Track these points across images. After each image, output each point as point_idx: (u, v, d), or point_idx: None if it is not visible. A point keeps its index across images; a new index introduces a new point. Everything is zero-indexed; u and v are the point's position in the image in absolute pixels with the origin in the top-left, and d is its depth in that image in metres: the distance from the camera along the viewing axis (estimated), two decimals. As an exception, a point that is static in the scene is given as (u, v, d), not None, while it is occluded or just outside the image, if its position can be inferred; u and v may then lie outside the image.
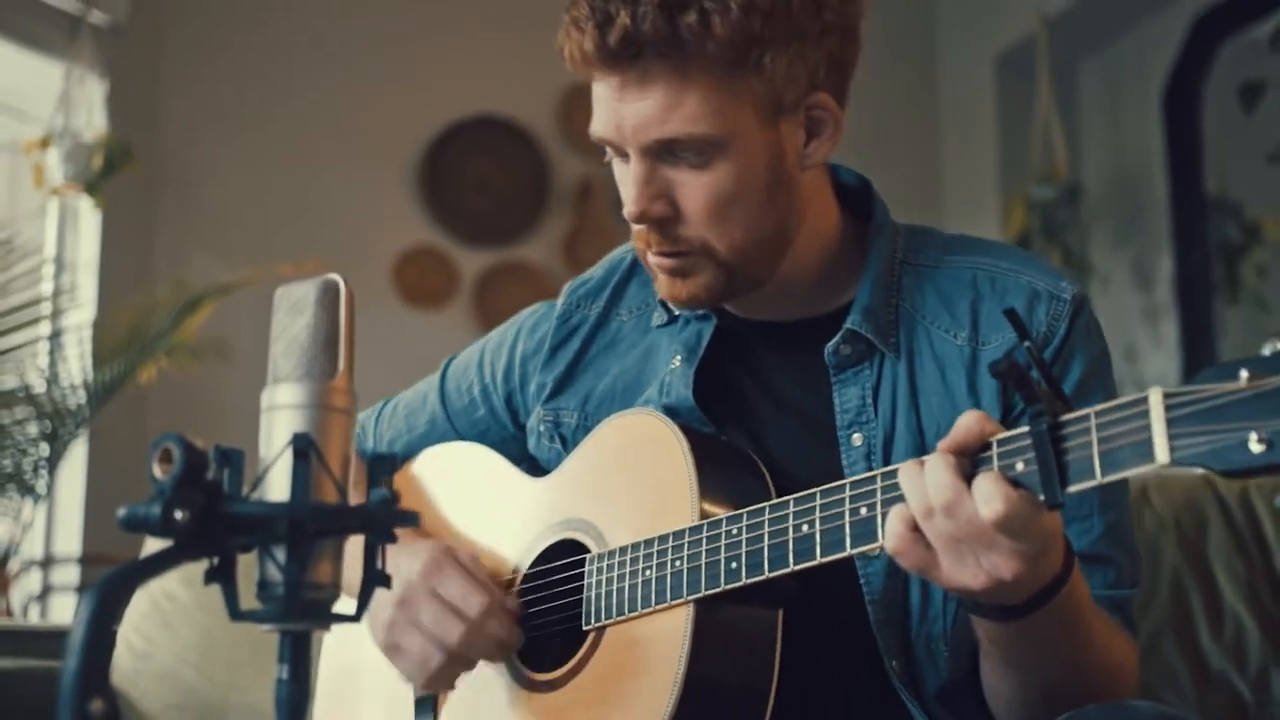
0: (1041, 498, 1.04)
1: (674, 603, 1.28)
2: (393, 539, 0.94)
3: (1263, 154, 4.84)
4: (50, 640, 2.42)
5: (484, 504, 1.55)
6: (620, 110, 1.33)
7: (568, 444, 1.52)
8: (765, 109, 1.33)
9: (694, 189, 1.33)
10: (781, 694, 1.29)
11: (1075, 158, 5.30)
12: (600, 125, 1.36)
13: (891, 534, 1.11)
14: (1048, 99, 5.11)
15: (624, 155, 1.36)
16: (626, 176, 1.36)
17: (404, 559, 1.40)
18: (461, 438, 1.64)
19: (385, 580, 0.95)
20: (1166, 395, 0.97)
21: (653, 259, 1.39)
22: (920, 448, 1.36)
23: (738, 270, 1.37)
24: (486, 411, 1.63)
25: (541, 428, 1.55)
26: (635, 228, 1.38)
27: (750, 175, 1.34)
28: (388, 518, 0.92)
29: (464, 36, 5.27)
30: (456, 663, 1.38)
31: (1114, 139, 5.49)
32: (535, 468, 1.56)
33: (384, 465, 0.94)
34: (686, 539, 1.29)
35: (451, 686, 1.42)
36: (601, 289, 1.58)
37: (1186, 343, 4.99)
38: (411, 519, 0.94)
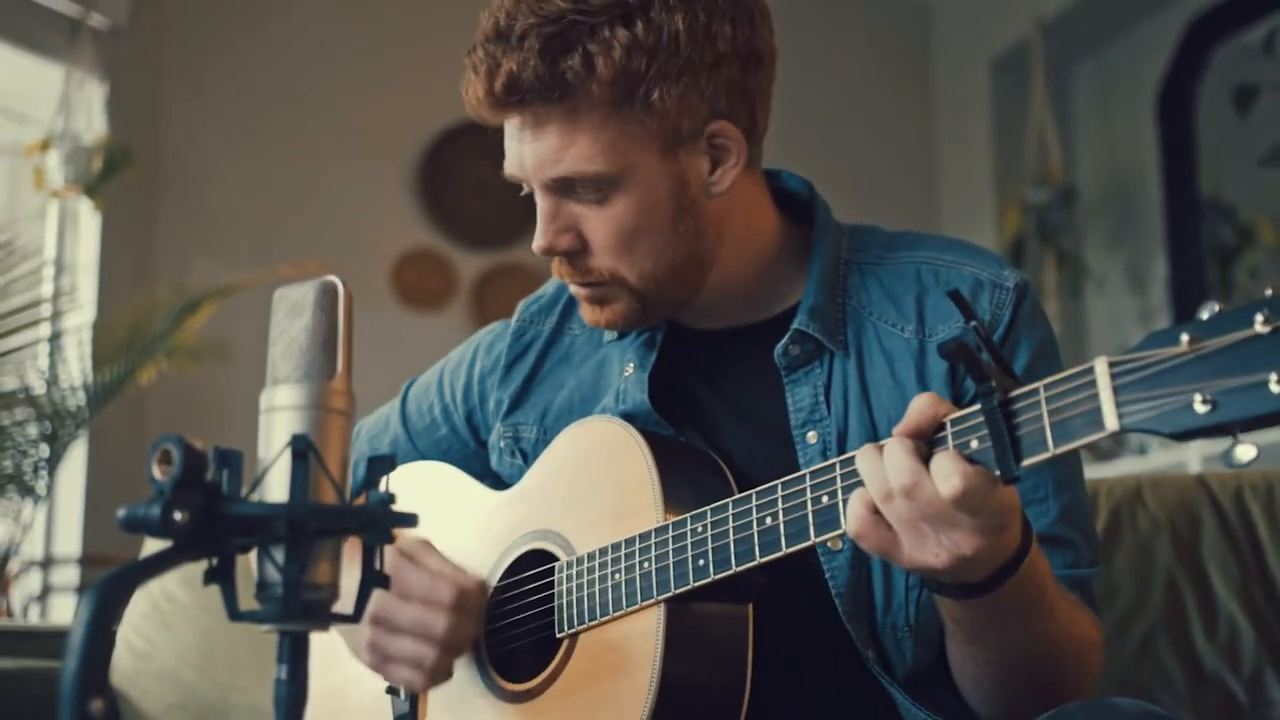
0: (997, 473, 1.05)
1: (645, 603, 1.29)
2: (391, 539, 0.94)
3: (1256, 157, 4.85)
4: (50, 640, 2.41)
5: (451, 521, 1.54)
6: (520, 150, 1.36)
7: (528, 458, 1.53)
8: (661, 142, 1.34)
9: (597, 223, 1.36)
10: (761, 691, 1.29)
11: (1070, 161, 5.31)
12: (507, 164, 1.39)
13: (853, 517, 1.12)
14: (1042, 102, 5.12)
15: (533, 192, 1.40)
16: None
17: (356, 572, 1.40)
18: (424, 458, 1.65)
19: (384, 581, 0.95)
20: (1112, 364, 0.98)
21: (571, 288, 1.43)
22: (874, 440, 1.36)
23: (652, 297, 1.40)
24: (448, 430, 1.64)
25: (502, 444, 1.56)
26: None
27: (652, 207, 1.36)
28: (386, 518, 0.92)
29: (462, 40, 5.25)
30: (449, 651, 1.38)
31: (1108, 142, 5.49)
32: (499, 483, 1.56)
33: (381, 466, 0.94)
34: (653, 540, 1.30)
35: (450, 676, 1.42)
36: (554, 305, 1.60)
37: (1180, 344, 4.99)
38: (410, 520, 0.94)
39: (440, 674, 1.40)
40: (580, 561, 1.36)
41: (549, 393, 1.55)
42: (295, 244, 4.88)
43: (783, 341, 1.40)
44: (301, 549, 0.89)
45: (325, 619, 0.92)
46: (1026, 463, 1.04)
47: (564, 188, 1.36)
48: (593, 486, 1.40)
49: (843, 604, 1.34)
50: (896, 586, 1.35)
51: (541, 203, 1.38)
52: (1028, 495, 1.34)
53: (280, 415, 0.93)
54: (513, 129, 1.37)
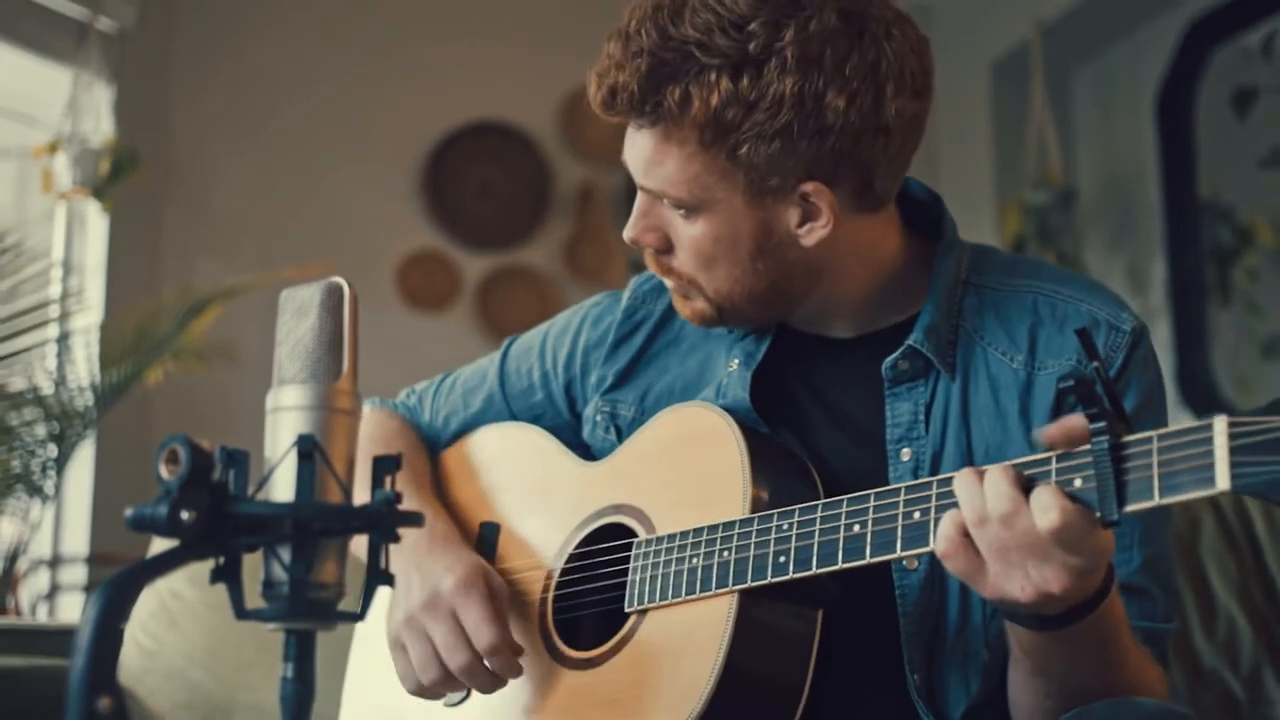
0: (1098, 514, 1.04)
1: (720, 591, 1.29)
2: (396, 539, 0.94)
3: (1254, 159, 4.84)
4: (58, 639, 2.42)
5: (536, 484, 1.56)
6: (627, 148, 1.40)
7: (622, 435, 1.53)
8: (747, 188, 1.34)
9: (681, 233, 1.39)
10: (815, 698, 1.29)
11: (1069, 163, 5.30)
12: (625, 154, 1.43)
13: (943, 537, 1.12)
14: (1042, 105, 5.11)
15: None
16: None
17: (441, 564, 1.42)
18: (515, 419, 1.65)
19: (389, 579, 0.95)
20: (1231, 424, 0.97)
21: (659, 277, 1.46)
22: (968, 466, 1.36)
23: (729, 312, 1.42)
24: (544, 397, 1.64)
25: (598, 417, 1.56)
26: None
27: (731, 241, 1.37)
28: (391, 518, 0.92)
29: (466, 44, 5.28)
30: (449, 682, 1.40)
31: (1107, 144, 5.49)
32: (588, 454, 1.56)
33: (387, 466, 0.94)
34: (736, 530, 1.29)
35: (438, 698, 1.43)
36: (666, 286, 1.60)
37: (1179, 345, 4.98)
38: (416, 519, 0.94)
39: (429, 690, 1.42)
40: (660, 541, 1.36)
41: (653, 376, 1.55)
42: (301, 246, 4.88)
43: (893, 356, 1.39)
44: (307, 548, 0.89)
45: (331, 618, 0.92)
46: (1129, 509, 1.03)
47: (655, 193, 1.38)
48: (683, 469, 1.40)
49: (906, 623, 1.34)
50: (974, 611, 1.34)
51: (639, 197, 1.42)
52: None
53: (286, 415, 0.93)
54: (626, 129, 1.41)
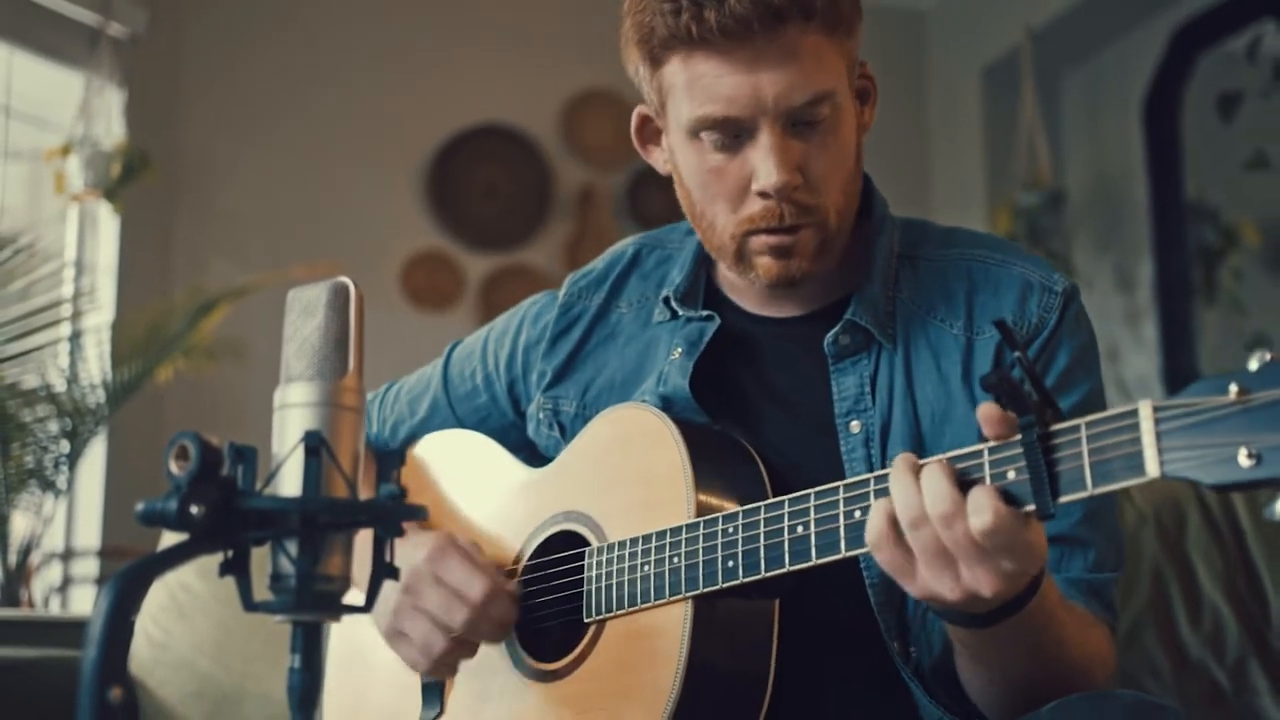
0: (1032, 507, 1.02)
1: (673, 599, 1.27)
2: (401, 533, 0.94)
3: (1240, 161, 4.85)
4: (71, 630, 2.42)
5: (484, 493, 1.53)
6: (758, 82, 1.28)
7: (566, 432, 1.51)
8: (849, 73, 1.36)
9: (819, 153, 1.33)
10: (786, 683, 1.28)
11: (1059, 165, 5.30)
12: (724, 104, 1.30)
13: (872, 528, 1.09)
14: (1032, 109, 5.11)
15: (736, 137, 1.33)
16: (755, 151, 1.32)
17: (408, 547, 1.39)
18: (461, 423, 1.63)
19: (393, 572, 0.95)
20: (1156, 408, 0.95)
21: (765, 237, 1.35)
22: (916, 433, 1.35)
23: (830, 241, 1.37)
24: (488, 398, 1.62)
25: (541, 415, 1.54)
26: (758, 204, 1.34)
27: (849, 136, 1.37)
28: (397, 512, 0.92)
29: (470, 49, 5.28)
30: (460, 647, 1.38)
31: (1096, 147, 5.49)
32: (533, 456, 1.55)
33: (392, 460, 0.94)
34: (684, 536, 1.28)
35: (454, 671, 1.41)
36: (603, 281, 1.58)
37: (1166, 344, 4.99)
38: (420, 513, 0.94)
39: (443, 665, 1.39)
40: (610, 549, 1.34)
41: (592, 369, 1.53)
42: (308, 246, 4.89)
43: (834, 331, 1.38)
44: (314, 542, 0.89)
45: (337, 610, 0.91)
46: (1064, 500, 1.01)
47: (800, 117, 1.31)
48: (625, 473, 1.38)
49: (875, 594, 1.33)
50: None
51: (772, 139, 1.30)
52: None
53: (294, 412, 0.93)
54: (740, 62, 1.28)
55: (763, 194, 1.32)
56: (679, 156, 1.39)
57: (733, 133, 1.32)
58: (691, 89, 1.32)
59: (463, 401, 1.64)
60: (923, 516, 1.05)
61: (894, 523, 1.08)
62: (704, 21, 1.27)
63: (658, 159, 1.46)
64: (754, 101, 1.29)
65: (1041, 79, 5.21)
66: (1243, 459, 0.90)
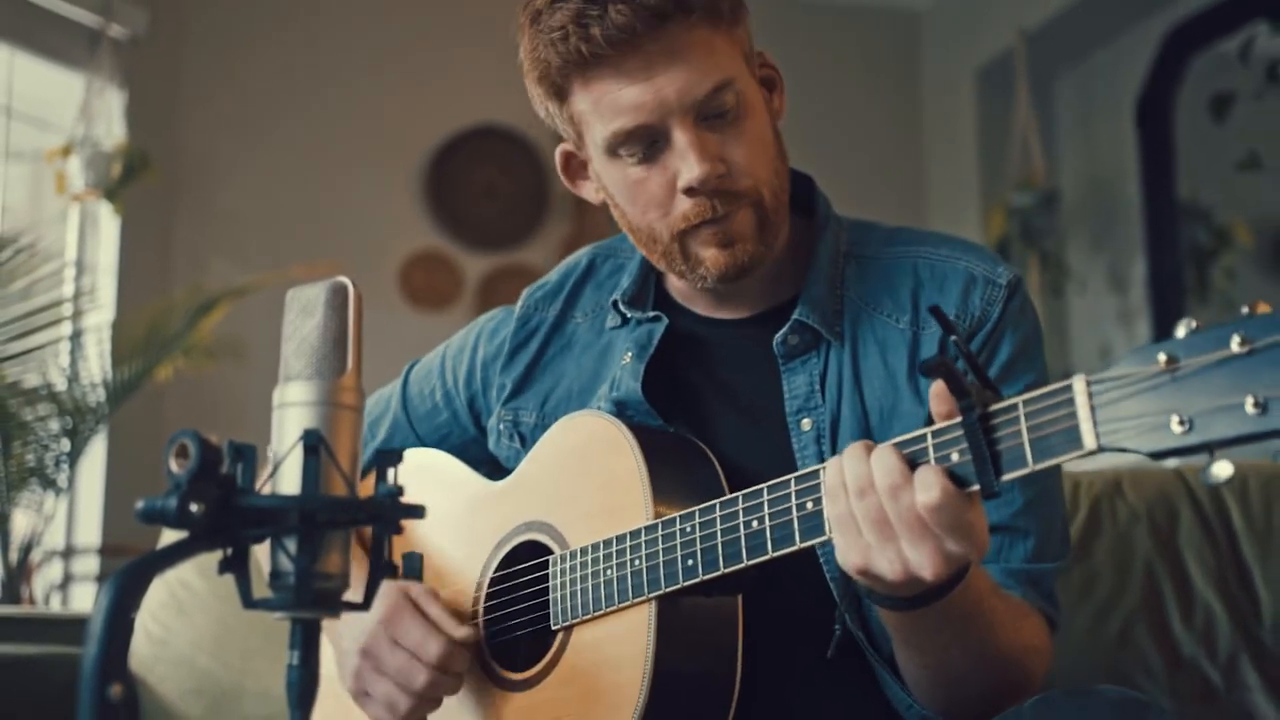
0: (977, 487, 1.03)
1: (636, 600, 1.28)
2: (399, 530, 0.94)
3: (1232, 162, 4.85)
4: (71, 628, 2.41)
5: (448, 509, 1.53)
6: (656, 85, 1.30)
7: (526, 442, 1.52)
8: (747, 61, 1.37)
9: (735, 140, 1.34)
10: (753, 676, 1.29)
11: (1052, 166, 5.31)
12: (631, 114, 1.32)
13: (830, 480, 1.10)
14: (1026, 110, 5.12)
15: (653, 143, 1.34)
16: (673, 154, 1.33)
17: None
18: (422, 442, 1.64)
19: (392, 570, 0.95)
20: (1090, 382, 0.96)
21: (703, 231, 1.36)
22: (865, 428, 1.36)
23: (770, 221, 1.37)
24: (449, 415, 1.62)
25: (501, 426, 1.55)
26: (687, 203, 1.35)
27: (762, 121, 1.37)
28: (395, 510, 0.92)
29: (467, 51, 5.27)
30: (423, 704, 1.38)
31: (1089, 148, 5.49)
32: (495, 470, 1.55)
33: (390, 459, 0.94)
34: (644, 538, 1.28)
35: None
36: (558, 292, 1.59)
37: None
38: (418, 511, 0.94)
39: (411, 718, 1.39)
40: (574, 556, 1.35)
41: (550, 380, 1.53)
42: (307, 246, 4.89)
43: (782, 331, 1.39)
44: (313, 540, 0.89)
45: (335, 607, 0.91)
46: (1006, 477, 1.01)
47: (706, 110, 1.32)
48: (584, 481, 1.38)
49: (836, 586, 1.33)
50: None
51: (686, 135, 1.31)
52: None
53: (292, 411, 0.93)
54: (632, 73, 1.30)
55: (689, 190, 1.34)
56: (605, 179, 1.41)
57: (648, 140, 1.33)
58: (598, 109, 1.34)
59: (423, 420, 1.64)
60: (869, 486, 1.07)
61: (843, 481, 1.09)
62: (591, 39, 1.29)
63: (589, 191, 1.49)
64: (658, 105, 1.31)
65: (1035, 80, 5.22)
66: (1175, 427, 0.91)
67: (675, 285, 1.50)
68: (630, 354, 1.46)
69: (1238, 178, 4.86)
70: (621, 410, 1.41)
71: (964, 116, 5.50)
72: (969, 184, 5.47)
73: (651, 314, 1.48)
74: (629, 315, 1.49)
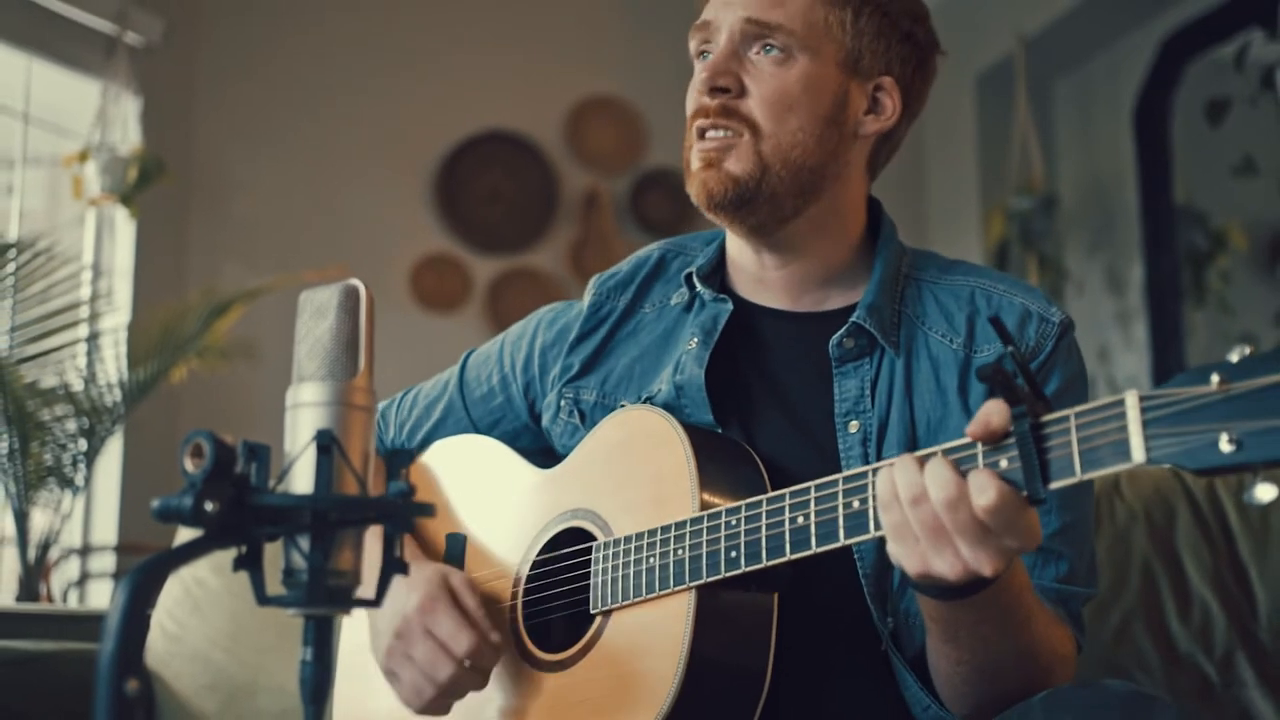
0: (1024, 493, 1.04)
1: (677, 589, 1.29)
2: (411, 529, 0.94)
3: (1228, 166, 4.85)
4: (88, 624, 2.42)
5: (495, 493, 1.55)
6: None
7: (586, 420, 1.53)
8: (844, 57, 1.40)
9: (767, 77, 1.40)
10: (782, 674, 1.29)
11: (1051, 170, 5.30)
12: (704, 10, 1.44)
13: (883, 490, 1.11)
14: (1025, 115, 5.11)
15: (707, 43, 1.44)
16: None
17: (402, 590, 1.40)
18: (476, 425, 1.65)
19: (403, 568, 0.95)
20: (1142, 398, 0.97)
21: (697, 147, 1.42)
22: (911, 437, 1.37)
23: (769, 173, 1.39)
24: (504, 400, 1.63)
25: (561, 403, 1.56)
26: (699, 102, 1.42)
27: (817, 93, 1.40)
28: (406, 509, 0.92)
29: (477, 57, 5.28)
30: (447, 694, 1.38)
31: (1087, 153, 5.49)
32: (543, 461, 1.56)
33: (402, 458, 0.94)
34: (688, 529, 1.29)
35: (446, 711, 1.42)
36: (629, 283, 1.59)
37: (1156, 344, 4.98)
38: (428, 510, 0.94)
39: (434, 708, 1.40)
40: (617, 543, 1.36)
41: (613, 361, 1.55)
42: (319, 249, 4.89)
43: (839, 333, 1.40)
44: (325, 538, 0.89)
45: (347, 604, 0.92)
46: (1054, 485, 1.02)
47: (755, 35, 1.40)
48: (633, 472, 1.40)
49: (869, 585, 1.34)
50: None
51: (724, 47, 1.41)
52: None
53: (305, 411, 0.93)
54: None
55: (700, 93, 1.42)
56: None
57: (704, 39, 1.44)
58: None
59: (478, 404, 1.65)
60: (923, 495, 1.08)
61: (895, 493, 1.10)
62: None
63: None
64: (723, 5, 1.42)
65: (1034, 86, 5.21)
66: (1224, 444, 0.92)
67: (737, 276, 1.52)
68: (696, 339, 1.47)
69: (1233, 182, 4.86)
70: (680, 393, 1.43)
71: (964, 121, 5.50)
72: (969, 187, 5.46)
73: (720, 295, 1.49)
74: (700, 290, 1.51)
